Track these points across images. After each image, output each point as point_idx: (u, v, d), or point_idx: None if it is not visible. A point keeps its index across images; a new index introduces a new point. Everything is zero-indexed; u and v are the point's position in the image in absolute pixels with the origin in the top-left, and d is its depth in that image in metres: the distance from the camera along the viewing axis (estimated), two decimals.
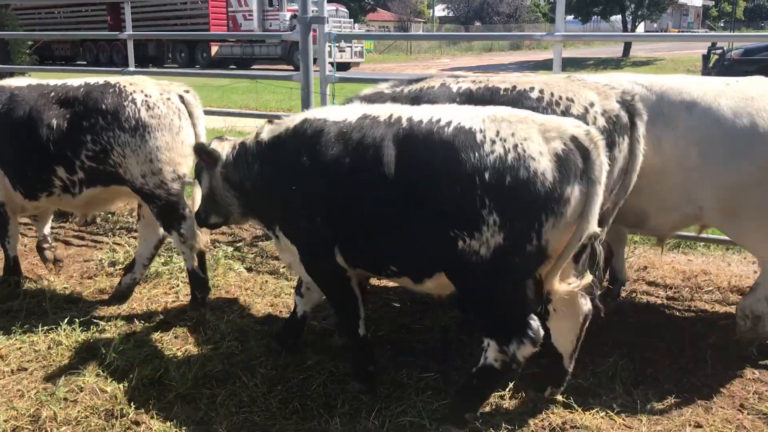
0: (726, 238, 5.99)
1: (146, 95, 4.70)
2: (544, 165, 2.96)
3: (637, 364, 4.13)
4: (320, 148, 3.46)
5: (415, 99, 3.87)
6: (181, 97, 4.80)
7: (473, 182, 3.02)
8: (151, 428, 3.50)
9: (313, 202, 3.55)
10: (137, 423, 3.56)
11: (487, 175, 3.00)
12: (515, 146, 2.99)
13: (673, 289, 5.36)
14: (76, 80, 4.96)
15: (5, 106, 4.91)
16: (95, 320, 4.72)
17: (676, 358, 4.23)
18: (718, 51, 17.86)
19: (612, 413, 3.64)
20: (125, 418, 3.59)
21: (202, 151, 4.05)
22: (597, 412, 3.64)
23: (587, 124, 3.32)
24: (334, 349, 4.37)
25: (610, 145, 3.38)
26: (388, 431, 3.47)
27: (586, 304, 3.51)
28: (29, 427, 3.54)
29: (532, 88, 3.60)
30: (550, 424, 3.55)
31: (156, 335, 4.51)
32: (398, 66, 38.87)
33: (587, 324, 3.56)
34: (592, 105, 3.50)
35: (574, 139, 3.03)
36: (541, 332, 3.25)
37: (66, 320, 4.67)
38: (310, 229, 3.63)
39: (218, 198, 4.10)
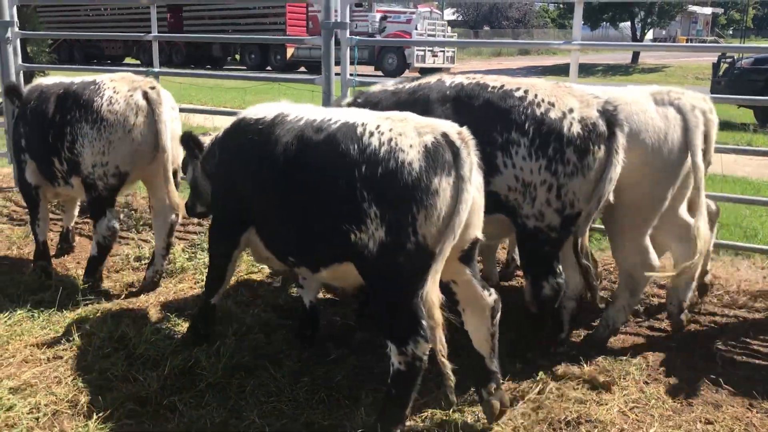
0: (734, 243, 6.18)
1: (114, 92, 5.04)
2: (412, 156, 3.10)
3: (649, 363, 4.29)
4: (243, 142, 3.91)
5: (413, 92, 4.10)
6: (145, 94, 5.04)
7: (353, 174, 3.21)
8: (183, 414, 3.66)
9: (235, 190, 4.00)
10: (171, 409, 3.72)
11: (363, 168, 3.18)
12: (390, 140, 3.17)
13: None
14: (80, 78, 5.40)
15: (33, 102, 5.37)
16: (125, 313, 4.89)
17: (687, 358, 4.39)
18: (729, 60, 17.96)
19: (625, 409, 3.79)
20: (159, 405, 3.76)
21: (187, 141, 4.45)
22: (611, 408, 3.79)
23: (564, 128, 3.53)
24: (356, 343, 4.52)
25: (584, 152, 3.55)
26: (412, 420, 3.62)
27: (490, 296, 3.47)
28: (69, 411, 3.71)
29: (518, 88, 3.74)
30: (565, 418, 3.70)
31: (184, 327, 4.68)
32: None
33: (497, 317, 3.51)
34: (571, 111, 3.62)
35: (444, 135, 3.17)
36: (430, 329, 3.29)
37: (97, 312, 4.87)
38: (228, 212, 4.16)
39: (200, 188, 4.58)
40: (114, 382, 3.99)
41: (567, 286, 4.10)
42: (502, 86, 3.79)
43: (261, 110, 4.01)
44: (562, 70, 28.36)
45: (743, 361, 4.39)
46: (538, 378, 4.04)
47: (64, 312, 4.92)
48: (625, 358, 4.29)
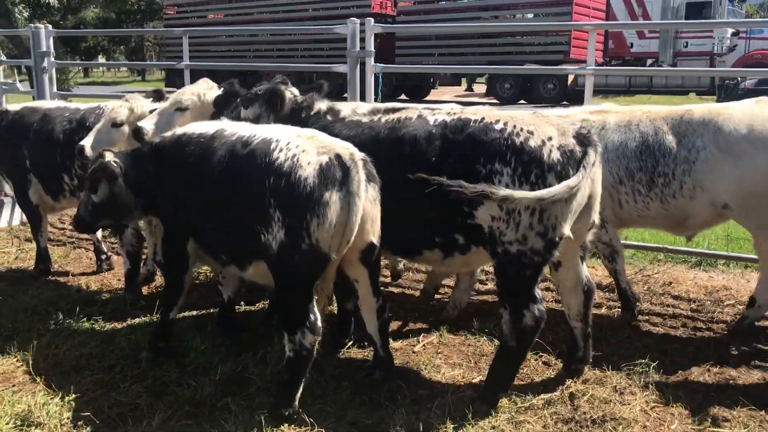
0: (745, 256, 6.46)
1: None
2: (308, 172, 3.63)
3: (667, 367, 4.57)
4: (185, 157, 4.23)
5: (394, 129, 4.21)
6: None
7: (264, 183, 3.72)
8: (237, 415, 3.94)
9: (180, 203, 4.34)
10: (224, 410, 4.01)
11: (272, 179, 3.70)
12: (293, 156, 3.70)
13: (697, 303, 5.79)
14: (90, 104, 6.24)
15: (35, 126, 6.22)
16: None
17: (702, 362, 4.66)
18: (733, 81, 18.31)
19: (647, 408, 4.07)
20: (214, 407, 4.06)
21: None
22: (633, 407, 4.06)
23: (544, 155, 3.73)
24: (389, 353, 4.81)
25: (565, 177, 3.71)
26: (449, 419, 3.91)
27: (377, 302, 4.17)
28: (131, 414, 4.00)
29: (497, 121, 3.92)
30: (591, 416, 3.98)
31: (229, 337, 4.97)
32: None
33: (383, 318, 4.23)
34: (549, 139, 3.79)
35: (337, 157, 3.70)
36: (319, 324, 3.85)
37: (143, 324, 5.18)
38: (178, 225, 4.44)
39: (120, 202, 4.72)
40: (169, 387, 4.28)
41: (570, 309, 4.36)
42: (483, 119, 3.97)
43: (201, 127, 4.40)
44: (577, 96, 28.77)
45: (756, 364, 4.66)
46: (566, 382, 4.32)
47: (114, 324, 5.24)
48: (644, 362, 4.56)
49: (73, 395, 4.11)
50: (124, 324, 5.25)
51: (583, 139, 3.83)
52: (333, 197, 3.63)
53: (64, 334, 5.01)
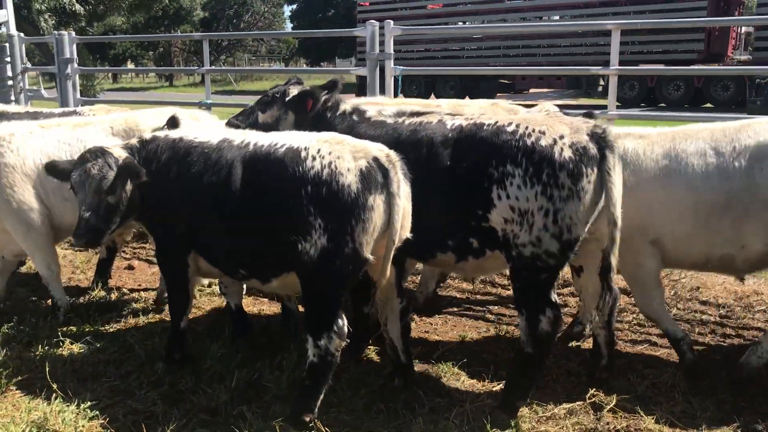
0: None
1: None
2: (350, 179, 3.59)
3: (695, 376, 4.41)
4: (187, 166, 4.09)
5: (414, 132, 4.15)
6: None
7: (300, 193, 3.65)
8: (252, 424, 3.89)
9: (180, 213, 4.18)
10: (239, 418, 3.96)
11: (309, 187, 3.64)
12: (330, 163, 3.64)
13: (726, 308, 5.64)
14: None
15: None
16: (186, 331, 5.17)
17: (731, 370, 4.51)
18: (764, 79, 17.94)
19: (673, 419, 3.94)
20: (229, 415, 4.02)
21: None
22: (659, 418, 3.94)
23: (555, 153, 3.65)
24: (410, 358, 4.73)
25: (578, 176, 3.64)
26: (467, 429, 3.82)
27: (401, 303, 4.23)
28: (147, 421, 3.97)
29: (510, 123, 3.88)
30: (615, 427, 3.87)
31: (246, 343, 4.94)
32: None
33: (406, 320, 4.27)
34: (561, 137, 3.72)
35: (375, 160, 3.67)
36: (346, 328, 3.82)
37: (160, 331, 5.16)
38: (176, 235, 4.27)
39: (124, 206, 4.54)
40: (185, 394, 4.25)
41: (591, 317, 4.27)
42: (496, 123, 3.93)
43: (199, 134, 4.27)
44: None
45: None
46: (589, 392, 4.20)
47: (131, 331, 5.23)
48: (671, 370, 4.43)
49: (89, 402, 4.10)
50: (141, 331, 5.23)
51: (598, 138, 3.74)
52: (376, 201, 3.64)
53: (83, 340, 5.00)
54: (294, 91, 4.74)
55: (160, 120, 5.38)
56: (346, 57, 57.92)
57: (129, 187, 4.23)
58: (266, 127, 4.61)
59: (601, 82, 26.62)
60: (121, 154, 4.23)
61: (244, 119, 4.80)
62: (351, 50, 53.04)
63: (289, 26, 64.09)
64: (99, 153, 4.21)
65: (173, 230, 4.27)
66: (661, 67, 22.15)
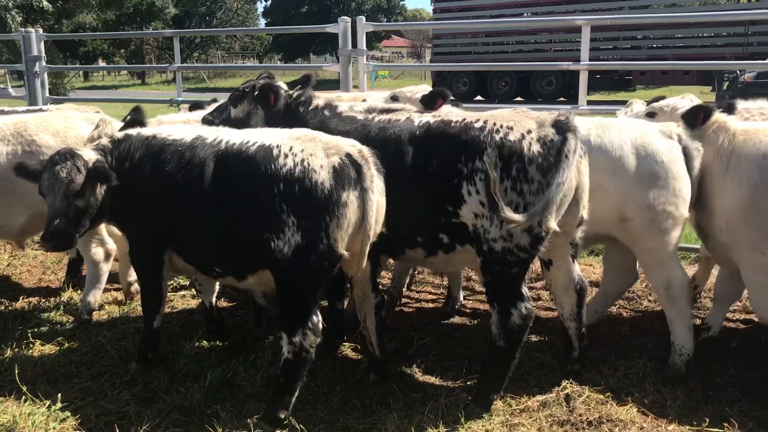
0: None
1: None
2: (323, 176, 3.60)
3: (665, 366, 4.49)
4: (160, 164, 4.05)
5: (383, 129, 4.15)
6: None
7: (273, 190, 3.64)
8: (226, 422, 3.87)
9: (153, 211, 4.13)
10: (213, 417, 3.94)
11: (282, 185, 3.62)
12: (302, 160, 3.63)
13: (697, 300, 5.71)
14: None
15: None
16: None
17: (701, 360, 4.57)
18: (732, 74, 18.22)
19: (644, 409, 3.99)
20: (203, 414, 3.99)
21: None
22: (630, 408, 3.99)
23: (524, 148, 3.67)
24: (385, 353, 4.74)
25: (547, 169, 3.67)
26: (442, 423, 3.84)
27: (375, 298, 4.25)
28: (120, 422, 3.93)
29: (477, 120, 3.90)
30: (587, 418, 3.91)
31: (220, 342, 4.92)
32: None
33: (381, 315, 4.28)
34: (529, 132, 3.76)
35: (348, 156, 3.68)
36: (321, 325, 3.82)
37: (133, 331, 5.11)
38: (149, 233, 4.24)
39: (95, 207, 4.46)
40: (158, 393, 4.22)
41: (563, 308, 4.33)
42: (464, 119, 3.96)
43: (172, 131, 4.23)
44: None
45: (756, 362, 4.57)
46: (562, 384, 4.24)
47: (103, 331, 5.17)
48: (642, 361, 4.49)
49: (60, 404, 4.04)
50: (115, 330, 5.18)
51: (561, 126, 3.77)
52: (350, 197, 3.64)
53: (54, 341, 4.94)
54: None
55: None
56: (320, 53, 57.79)
57: (100, 189, 4.18)
58: (238, 122, 4.59)
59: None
60: (91, 157, 4.17)
61: (218, 115, 4.78)
62: (326, 46, 52.96)
63: (262, 23, 63.76)
64: (68, 155, 4.12)
65: (148, 228, 4.23)
66: (635, 62, 22.40)
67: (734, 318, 5.37)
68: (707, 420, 3.86)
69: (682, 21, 22.94)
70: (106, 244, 5.53)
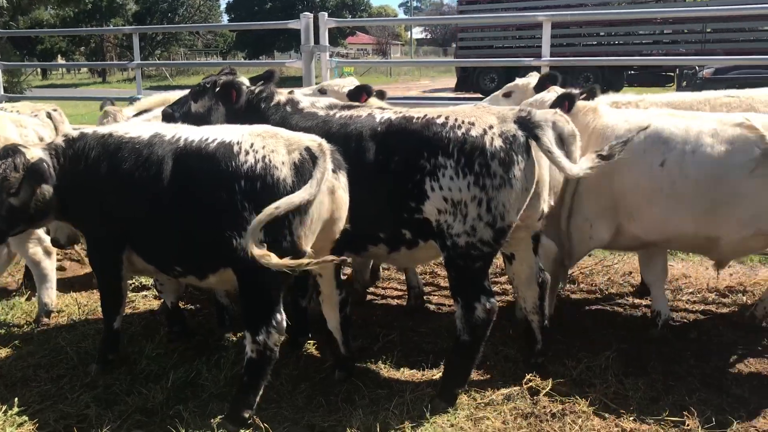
0: None
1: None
2: (285, 172, 3.56)
3: (627, 357, 4.56)
4: (117, 162, 3.96)
5: (344, 126, 4.15)
6: (48, 115, 5.65)
7: (234, 188, 3.58)
8: (189, 423, 3.82)
9: (110, 210, 4.06)
10: (176, 418, 3.88)
11: (243, 182, 3.56)
12: (264, 157, 3.58)
13: None
14: None
15: None
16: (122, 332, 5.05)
17: (661, 351, 4.66)
18: (691, 70, 18.57)
19: (606, 400, 4.04)
20: (165, 415, 3.93)
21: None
22: (593, 400, 4.03)
23: (486, 143, 3.71)
24: (350, 350, 4.73)
25: (509, 164, 3.71)
26: (407, 419, 3.84)
27: (340, 295, 4.22)
28: (79, 425, 3.85)
29: (439, 116, 3.92)
30: (551, 410, 3.94)
31: (183, 342, 4.85)
32: (380, 88, 39.42)
33: (345, 312, 4.26)
34: (491, 127, 3.79)
35: (307, 150, 3.62)
36: (285, 323, 3.76)
37: (93, 333, 5.02)
38: (107, 233, 4.16)
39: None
40: (120, 395, 4.15)
41: (525, 301, 4.36)
42: (425, 116, 3.97)
43: (129, 128, 4.17)
44: None
45: (714, 352, 4.67)
46: (526, 377, 4.27)
47: (62, 333, 5.07)
48: (605, 353, 4.55)
49: (17, 408, 3.96)
50: (74, 332, 5.08)
51: (524, 122, 3.80)
52: None
53: (11, 345, 4.83)
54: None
55: None
56: (285, 50, 57.44)
57: (41, 189, 4.09)
58: (199, 117, 4.53)
59: None
60: (34, 155, 4.08)
61: (178, 108, 4.71)
62: (290, 43, 52.64)
63: (225, 19, 63.10)
64: (10, 152, 4.05)
65: (106, 228, 4.15)
66: (598, 58, 22.57)
67: (693, 309, 5.47)
68: (667, 410, 3.93)
69: (642, 17, 23.26)
70: (44, 242, 5.43)
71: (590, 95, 4.97)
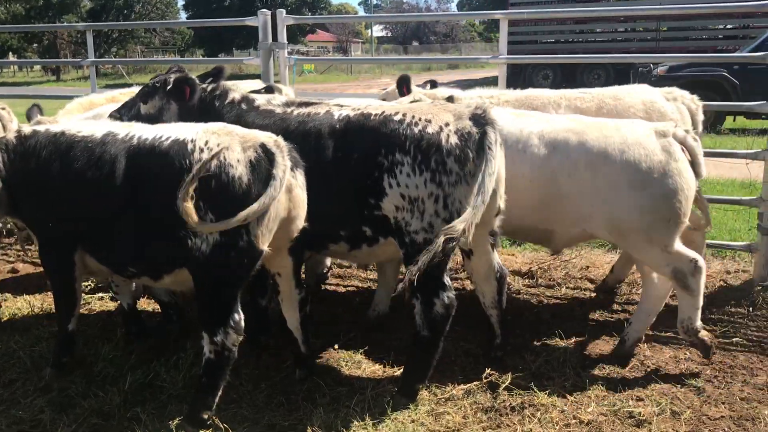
0: None
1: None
2: (240, 170, 3.51)
3: (585, 350, 4.63)
4: (69, 161, 3.89)
5: (303, 123, 4.14)
6: None
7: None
8: (147, 425, 3.77)
9: (62, 210, 3.98)
10: (134, 420, 3.83)
11: (198, 180, 3.45)
12: (218, 155, 3.52)
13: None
14: None
15: None
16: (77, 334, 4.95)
17: (617, 344, 4.74)
18: (645, 68, 18.88)
19: (565, 393, 4.11)
20: (123, 417, 3.87)
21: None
22: (551, 392, 4.09)
23: (442, 140, 3.75)
24: (311, 349, 4.71)
25: (465, 160, 3.75)
26: (368, 416, 3.84)
27: (299, 294, 4.20)
28: (33, 430, 3.78)
29: (396, 113, 3.95)
30: (511, 404, 3.99)
31: (140, 344, 4.78)
32: (340, 86, 39.31)
33: (305, 311, 4.25)
34: (447, 124, 3.84)
35: (263, 146, 3.59)
36: (243, 323, 3.74)
37: (47, 336, 4.91)
38: (58, 233, 4.07)
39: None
40: (75, 399, 4.07)
41: (484, 296, 4.40)
42: (383, 112, 3.98)
43: (82, 127, 4.08)
44: (491, 83, 29.16)
45: (668, 343, 4.78)
46: (486, 371, 4.31)
47: (15, 336, 4.94)
48: (562, 347, 4.62)
49: None
50: (28, 336, 4.96)
51: (479, 119, 3.84)
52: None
53: None
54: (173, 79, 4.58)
55: None
56: (244, 48, 56.93)
57: None
58: (150, 119, 4.43)
59: None
60: None
61: (126, 112, 4.60)
62: (250, 41, 52.17)
63: (183, 16, 62.32)
64: None
65: (57, 228, 4.06)
66: (549, 55, 22.89)
67: None
68: (624, 400, 4.02)
69: (598, 15, 23.63)
70: None
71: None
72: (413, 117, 3.85)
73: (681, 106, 5.14)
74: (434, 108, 3.95)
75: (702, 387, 4.20)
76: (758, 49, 13.83)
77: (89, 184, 3.82)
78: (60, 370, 4.34)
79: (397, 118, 3.87)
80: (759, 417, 3.87)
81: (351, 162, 3.89)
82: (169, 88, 4.51)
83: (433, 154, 3.72)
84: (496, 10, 22.33)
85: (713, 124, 14.82)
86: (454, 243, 3.53)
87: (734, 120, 16.77)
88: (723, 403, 4.03)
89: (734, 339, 4.86)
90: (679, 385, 4.22)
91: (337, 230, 4.06)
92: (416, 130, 3.79)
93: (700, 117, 5.21)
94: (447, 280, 3.93)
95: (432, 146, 3.73)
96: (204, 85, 4.54)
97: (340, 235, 4.07)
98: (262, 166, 3.55)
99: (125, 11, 57.09)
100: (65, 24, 30.83)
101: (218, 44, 56.49)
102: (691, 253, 4.28)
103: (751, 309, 5.31)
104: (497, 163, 3.77)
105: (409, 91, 5.65)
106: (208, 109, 4.43)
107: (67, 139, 3.97)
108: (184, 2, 60.32)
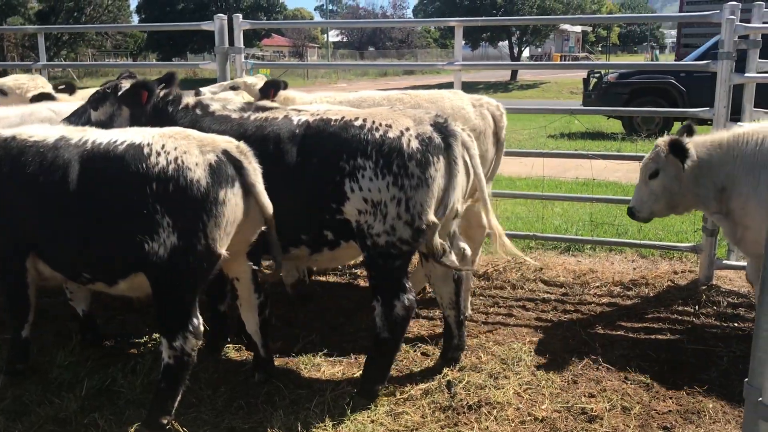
0: (608, 240, 6.87)
1: None
2: (199, 174, 3.52)
3: (539, 350, 4.75)
4: (20, 166, 3.82)
5: (260, 128, 4.16)
6: None
7: (144, 190, 3.52)
8: (105, 430, 3.75)
9: (13, 215, 3.92)
10: (92, 426, 3.79)
11: (154, 184, 3.51)
12: (176, 158, 3.54)
13: (566, 287, 6.07)
14: None
15: None
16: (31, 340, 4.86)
17: (570, 343, 4.89)
18: (597, 75, 19.32)
19: (520, 391, 4.21)
20: (80, 424, 3.83)
21: None
22: (507, 390, 4.19)
23: (403, 145, 3.84)
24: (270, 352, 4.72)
25: (426, 164, 3.84)
26: (328, 417, 3.88)
27: (258, 299, 4.21)
28: None
29: (356, 118, 4.02)
30: (468, 403, 4.07)
31: (97, 349, 4.73)
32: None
33: (264, 315, 4.26)
34: (407, 129, 3.92)
35: (225, 152, 3.64)
36: (202, 327, 3.74)
37: (1, 343, 4.82)
38: (9, 238, 4.01)
39: None
40: (30, 406, 4.01)
41: (442, 297, 4.46)
42: (343, 118, 4.05)
43: (34, 131, 4.03)
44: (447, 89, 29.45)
45: (619, 342, 4.93)
46: (443, 371, 4.39)
47: None
48: (517, 346, 4.73)
49: None
50: None
51: (441, 127, 3.94)
52: (228, 195, 3.57)
53: None
54: (126, 84, 4.54)
55: None
56: (198, 52, 56.28)
57: None
58: (101, 125, 4.36)
59: None
60: None
61: (76, 119, 4.54)
62: (204, 45, 51.59)
63: (135, 20, 61.26)
64: None
65: (8, 234, 3.99)
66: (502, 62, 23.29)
67: (600, 302, 5.74)
68: (577, 398, 4.14)
69: (551, 22, 24.17)
70: None
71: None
72: (374, 122, 3.92)
73: (485, 112, 5.36)
74: (394, 113, 4.03)
75: (650, 383, 4.35)
76: (702, 57, 14.28)
77: (41, 189, 3.77)
78: (14, 376, 4.27)
79: (357, 123, 3.94)
80: (704, 410, 4.02)
81: (312, 167, 3.93)
82: (121, 93, 4.48)
83: (395, 158, 3.80)
84: (451, 17, 22.68)
85: (662, 129, 15.26)
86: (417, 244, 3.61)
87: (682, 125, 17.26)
88: (671, 398, 4.18)
89: (681, 337, 5.04)
90: (629, 382, 4.36)
91: (297, 234, 4.10)
92: (377, 135, 3.86)
93: (504, 123, 5.41)
94: (407, 282, 4.00)
95: (394, 150, 3.81)
96: (156, 91, 4.51)
97: (300, 239, 4.10)
98: (223, 170, 3.56)
99: (75, 14, 55.86)
100: (17, 26, 29.89)
101: (172, 48, 55.77)
102: None
103: (696, 307, 5.52)
104: (462, 177, 3.90)
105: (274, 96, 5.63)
106: (161, 115, 4.39)
107: (17, 144, 3.91)
108: (136, 6, 59.42)
